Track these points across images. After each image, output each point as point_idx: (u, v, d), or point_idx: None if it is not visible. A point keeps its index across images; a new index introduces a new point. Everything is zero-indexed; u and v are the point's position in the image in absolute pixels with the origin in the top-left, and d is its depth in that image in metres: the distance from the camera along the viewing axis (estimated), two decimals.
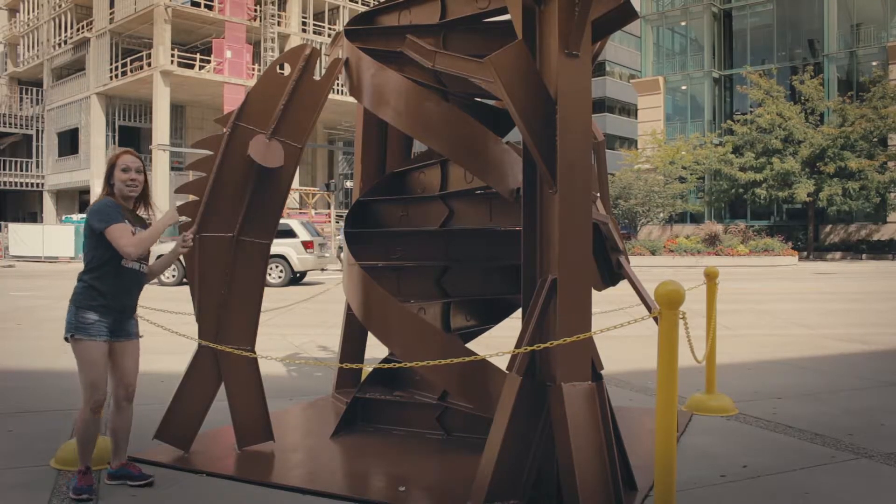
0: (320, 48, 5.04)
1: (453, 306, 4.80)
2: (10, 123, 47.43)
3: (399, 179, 5.08)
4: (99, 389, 3.45)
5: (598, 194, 4.22)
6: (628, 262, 4.15)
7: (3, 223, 31.95)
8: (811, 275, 22.10)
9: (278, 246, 17.43)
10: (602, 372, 3.54)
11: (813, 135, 30.19)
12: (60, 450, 3.96)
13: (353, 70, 4.40)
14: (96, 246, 3.49)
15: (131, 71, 39.18)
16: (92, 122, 41.37)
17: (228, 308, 4.13)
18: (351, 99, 4.29)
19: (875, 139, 30.42)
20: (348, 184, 42.28)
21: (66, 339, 3.48)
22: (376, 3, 5.17)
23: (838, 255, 32.02)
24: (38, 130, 47.39)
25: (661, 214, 35.80)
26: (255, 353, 4.21)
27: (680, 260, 27.59)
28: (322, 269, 19.51)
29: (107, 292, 3.47)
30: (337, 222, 32.35)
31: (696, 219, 37.00)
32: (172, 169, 39.23)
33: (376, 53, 4.40)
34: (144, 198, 3.67)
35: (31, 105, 48.54)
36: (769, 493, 3.60)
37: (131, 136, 43.66)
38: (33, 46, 48.43)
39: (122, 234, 3.40)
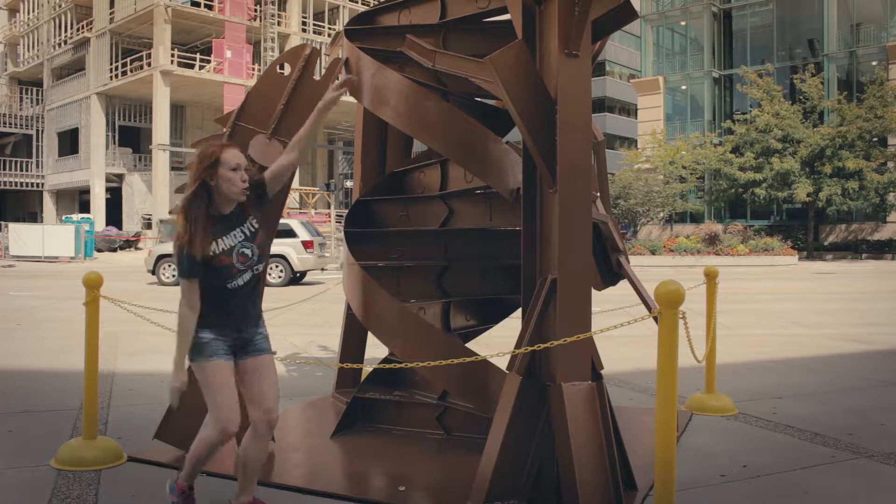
0: (320, 48, 5.04)
1: (453, 306, 4.80)
2: (10, 123, 47.45)
3: (399, 179, 5.08)
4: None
5: (598, 194, 4.22)
6: (628, 262, 4.15)
7: (3, 223, 31.94)
8: (811, 274, 22.10)
9: (278, 246, 17.44)
10: (602, 372, 3.54)
11: (809, 135, 30.20)
12: (60, 450, 3.96)
13: (353, 70, 4.40)
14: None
15: (131, 71, 39.20)
16: (92, 122, 41.38)
17: None
18: (351, 99, 4.29)
19: (874, 139, 30.41)
20: (348, 184, 42.30)
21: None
22: (376, 2, 5.17)
23: (838, 254, 32.03)
24: (38, 130, 47.42)
25: (661, 214, 35.81)
26: None
27: (680, 259, 27.59)
28: (322, 269, 19.56)
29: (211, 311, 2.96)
30: (337, 221, 32.35)
31: (695, 218, 37.01)
32: (172, 169, 39.24)
33: (376, 53, 4.40)
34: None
35: (31, 105, 48.56)
36: (769, 493, 3.60)
37: (131, 136, 43.69)
38: (33, 46, 48.45)
39: (186, 292, 2.90)
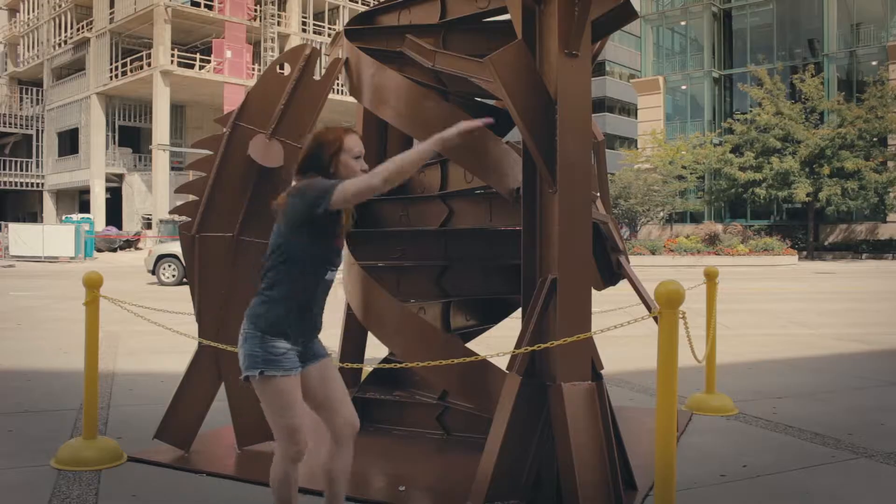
0: (320, 48, 5.04)
1: (453, 306, 4.80)
2: (10, 123, 47.46)
3: None
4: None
5: (598, 194, 4.22)
6: (628, 262, 4.15)
7: (3, 223, 31.93)
8: (811, 274, 22.10)
9: None
10: (602, 372, 3.54)
11: (808, 136, 30.20)
12: (60, 450, 3.96)
13: (353, 70, 4.40)
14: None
15: (131, 71, 39.21)
16: (92, 122, 41.39)
17: (228, 308, 4.12)
18: (351, 99, 4.29)
19: (874, 139, 30.41)
20: None
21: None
22: (376, 2, 5.18)
23: (838, 254, 32.03)
24: (38, 130, 47.44)
25: (661, 214, 35.81)
26: None
27: (680, 259, 27.58)
28: None
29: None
30: None
31: (695, 218, 37.01)
32: (172, 169, 39.26)
33: (376, 53, 4.40)
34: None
35: (31, 105, 48.58)
36: (769, 492, 3.60)
37: (131, 136, 43.71)
38: (33, 46, 48.46)
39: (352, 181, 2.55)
